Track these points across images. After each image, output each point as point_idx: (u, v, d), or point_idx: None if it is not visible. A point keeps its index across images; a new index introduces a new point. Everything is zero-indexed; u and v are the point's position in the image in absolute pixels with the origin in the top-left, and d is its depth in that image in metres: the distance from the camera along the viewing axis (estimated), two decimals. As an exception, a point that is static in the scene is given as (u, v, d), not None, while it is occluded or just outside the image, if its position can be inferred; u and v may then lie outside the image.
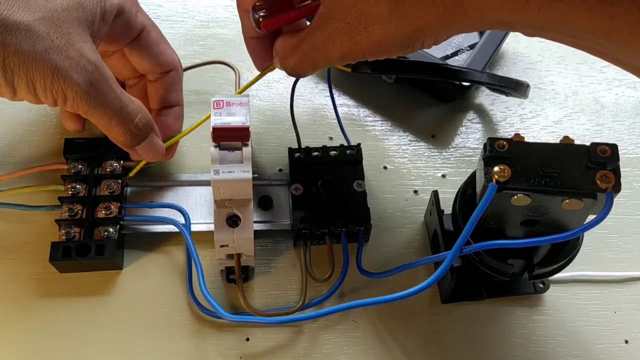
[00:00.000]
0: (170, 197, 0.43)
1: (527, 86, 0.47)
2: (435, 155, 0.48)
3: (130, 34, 0.40)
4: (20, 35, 0.32)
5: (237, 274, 0.39)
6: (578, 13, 0.25)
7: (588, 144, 0.32)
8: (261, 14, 0.34)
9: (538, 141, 0.32)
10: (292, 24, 0.35)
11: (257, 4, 0.34)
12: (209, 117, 0.40)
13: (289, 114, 0.44)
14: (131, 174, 0.42)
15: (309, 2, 0.34)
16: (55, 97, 0.34)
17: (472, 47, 0.48)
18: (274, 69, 0.38)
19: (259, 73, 0.40)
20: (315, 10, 0.32)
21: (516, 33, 0.30)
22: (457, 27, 0.29)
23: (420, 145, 0.48)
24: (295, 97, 0.49)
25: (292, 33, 0.35)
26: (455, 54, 0.47)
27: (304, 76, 0.38)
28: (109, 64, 0.43)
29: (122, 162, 0.42)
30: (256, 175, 0.44)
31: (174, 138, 0.41)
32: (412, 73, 0.44)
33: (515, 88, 0.46)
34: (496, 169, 0.31)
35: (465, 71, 0.45)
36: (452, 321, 0.41)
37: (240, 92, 0.41)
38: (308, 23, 0.34)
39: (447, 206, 0.40)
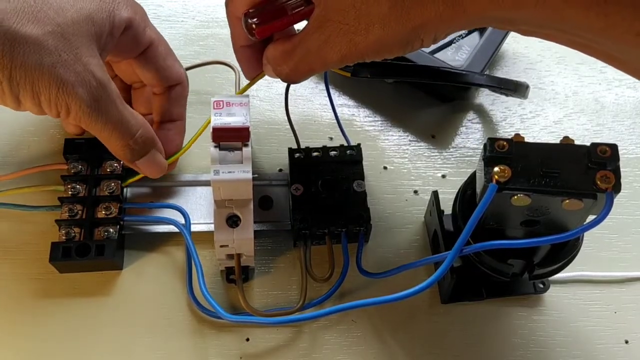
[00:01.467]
0: (170, 197, 0.43)
1: (527, 87, 0.47)
2: (435, 155, 0.48)
3: (137, 48, 0.40)
4: (28, 49, 0.32)
5: (237, 274, 0.39)
6: (574, 9, 0.25)
7: (588, 144, 0.32)
8: (254, 20, 0.33)
9: (538, 141, 0.32)
10: (283, 31, 0.35)
11: (250, 10, 0.34)
12: (206, 125, 0.40)
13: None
14: (125, 184, 0.42)
15: (302, 8, 0.33)
16: (59, 110, 0.34)
17: (471, 46, 0.47)
18: (264, 76, 0.38)
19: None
20: (309, 15, 0.32)
21: (516, 33, 0.30)
22: (457, 24, 0.29)
23: (420, 145, 0.48)
24: (295, 98, 0.49)
25: (285, 39, 0.34)
26: (454, 54, 0.47)
27: (298, 82, 0.37)
28: (117, 69, 0.43)
29: (122, 162, 0.42)
30: (256, 175, 0.44)
31: (174, 156, 0.41)
32: (412, 77, 0.44)
33: (515, 89, 0.46)
34: (496, 169, 0.31)
35: (465, 74, 0.45)
36: (452, 321, 0.41)
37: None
38: (297, 30, 0.34)
39: (447, 206, 0.40)
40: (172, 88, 0.42)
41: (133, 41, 0.39)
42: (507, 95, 0.48)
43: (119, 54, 0.40)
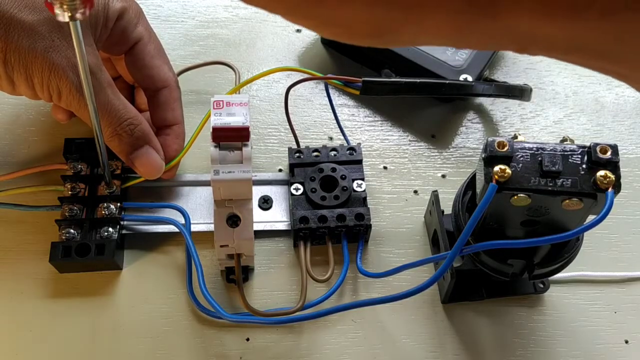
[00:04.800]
0: (170, 197, 0.43)
1: (531, 90, 0.47)
2: (435, 155, 0.47)
3: (125, 42, 0.40)
4: (23, 33, 0.34)
5: (237, 274, 0.39)
6: None
7: (588, 144, 0.32)
8: None
9: (538, 141, 0.32)
10: None
11: None
12: (202, 127, 0.41)
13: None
14: (125, 186, 0.42)
15: None
16: (51, 93, 0.36)
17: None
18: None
19: (256, 74, 0.42)
20: None
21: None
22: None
23: (420, 145, 0.48)
24: (295, 98, 0.49)
25: None
26: (454, 54, 0.47)
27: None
28: (119, 68, 0.43)
29: (122, 162, 0.42)
30: (256, 175, 0.44)
31: (174, 160, 0.41)
32: (421, 92, 0.44)
33: (521, 95, 0.47)
34: (496, 169, 0.31)
35: (472, 85, 0.45)
36: (452, 321, 0.41)
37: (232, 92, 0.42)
38: None
39: (447, 206, 0.40)
40: (160, 91, 0.42)
41: (122, 34, 0.39)
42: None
43: (110, 47, 0.40)
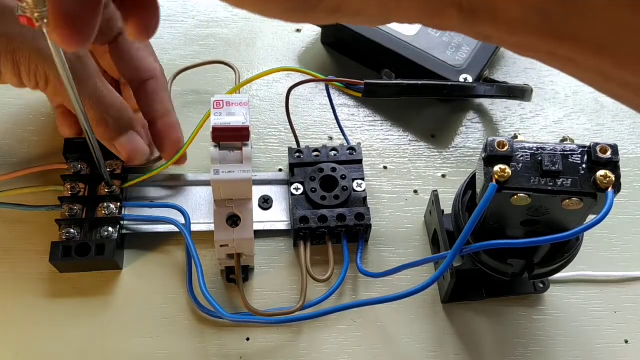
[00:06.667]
0: (170, 197, 0.43)
1: (532, 90, 0.47)
2: (435, 155, 0.47)
3: (110, 31, 0.40)
4: (12, 20, 0.33)
5: (237, 274, 0.39)
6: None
7: (588, 143, 0.32)
8: None
9: (538, 141, 0.32)
10: None
11: None
12: (208, 116, 0.40)
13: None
14: (125, 185, 0.42)
15: None
16: (38, 80, 0.36)
17: (471, 46, 0.47)
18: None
19: (256, 74, 0.42)
20: None
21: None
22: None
23: (420, 145, 0.48)
24: (295, 98, 0.49)
25: None
26: (454, 54, 0.47)
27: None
28: (103, 62, 0.43)
29: (122, 162, 0.42)
30: (256, 175, 0.44)
31: (181, 150, 0.41)
32: (423, 95, 0.44)
33: (522, 96, 0.47)
34: (496, 169, 0.31)
35: (474, 87, 0.45)
36: (452, 321, 0.41)
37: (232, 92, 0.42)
38: None
39: (447, 206, 0.40)
40: (147, 82, 0.41)
41: (107, 24, 0.39)
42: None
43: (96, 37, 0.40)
